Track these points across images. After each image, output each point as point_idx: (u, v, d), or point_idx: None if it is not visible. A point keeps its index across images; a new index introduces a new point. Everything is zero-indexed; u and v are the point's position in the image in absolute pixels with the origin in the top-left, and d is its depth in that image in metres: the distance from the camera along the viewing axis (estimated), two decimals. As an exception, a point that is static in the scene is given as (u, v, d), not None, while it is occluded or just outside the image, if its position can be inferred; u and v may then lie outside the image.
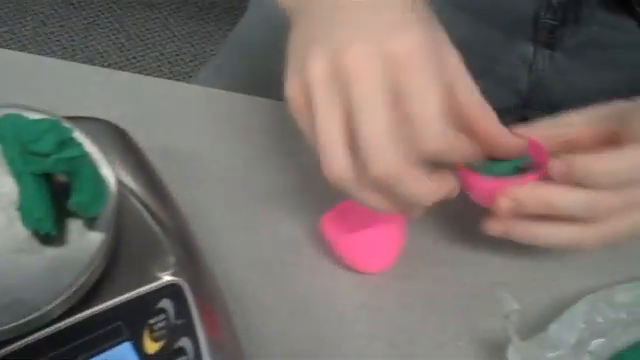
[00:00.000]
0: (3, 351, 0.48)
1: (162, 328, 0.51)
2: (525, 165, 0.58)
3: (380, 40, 0.50)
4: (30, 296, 0.48)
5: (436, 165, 0.53)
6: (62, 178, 0.52)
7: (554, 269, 0.63)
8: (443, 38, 0.55)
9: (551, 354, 0.55)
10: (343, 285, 0.62)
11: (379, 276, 0.62)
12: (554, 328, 0.56)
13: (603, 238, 0.56)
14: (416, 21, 0.52)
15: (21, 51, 2.02)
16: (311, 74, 0.51)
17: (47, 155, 0.50)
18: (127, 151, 0.59)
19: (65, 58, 2.03)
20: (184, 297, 0.52)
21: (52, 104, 0.71)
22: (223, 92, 0.75)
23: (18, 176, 0.51)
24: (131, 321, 0.50)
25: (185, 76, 2.02)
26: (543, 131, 0.59)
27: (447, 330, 0.60)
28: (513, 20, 0.85)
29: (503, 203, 0.55)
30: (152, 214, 0.56)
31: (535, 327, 0.59)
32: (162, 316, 0.51)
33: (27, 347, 0.48)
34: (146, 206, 0.56)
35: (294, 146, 0.71)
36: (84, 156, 0.51)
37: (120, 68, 2.02)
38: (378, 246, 0.61)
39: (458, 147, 0.52)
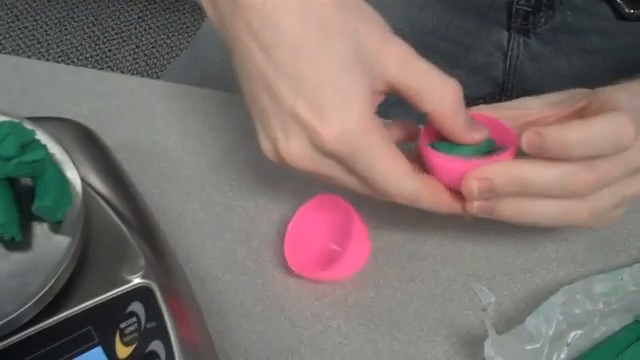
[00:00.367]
0: (-30, 360, 0.47)
1: (133, 332, 0.50)
2: (491, 148, 0.55)
3: (308, 133, 0.51)
4: (-4, 302, 0.47)
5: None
6: (26, 181, 0.51)
7: (531, 261, 0.62)
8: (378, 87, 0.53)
9: (529, 347, 0.54)
10: (318, 283, 0.61)
11: (355, 273, 0.61)
12: (531, 320, 0.55)
13: (591, 212, 0.53)
14: (339, 91, 0.51)
15: (-5, 47, 2.00)
16: (264, 152, 0.55)
17: (9, 159, 0.48)
18: (93, 151, 0.58)
19: (40, 52, 2.01)
20: (155, 299, 0.51)
21: (17, 104, 0.70)
22: (192, 88, 0.74)
23: None
24: (101, 325, 0.50)
25: (162, 68, 2.01)
26: (505, 112, 0.57)
27: (424, 324, 0.59)
28: (487, 7, 0.85)
29: (474, 185, 0.52)
30: (120, 215, 0.55)
31: (512, 320, 0.59)
32: (133, 319, 0.50)
33: (-5, 355, 0.47)
34: (113, 207, 0.55)
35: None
36: (47, 159, 0.50)
37: (96, 61, 2.01)
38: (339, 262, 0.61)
39: (427, 195, 0.54)
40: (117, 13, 2.12)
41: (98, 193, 0.55)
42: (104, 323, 0.50)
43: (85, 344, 0.49)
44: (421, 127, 0.56)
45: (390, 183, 0.52)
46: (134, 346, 0.49)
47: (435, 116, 0.52)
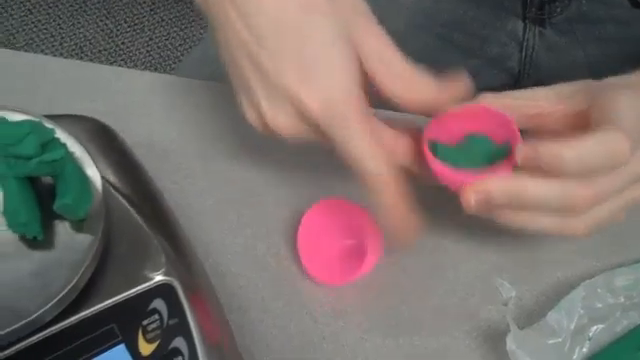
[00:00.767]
0: (-5, 359, 0.47)
1: (156, 329, 0.50)
2: (492, 147, 0.55)
3: (291, 100, 0.52)
4: (20, 302, 0.47)
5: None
6: (47, 180, 0.51)
7: (551, 254, 0.62)
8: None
9: (551, 341, 0.54)
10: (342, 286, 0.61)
11: (375, 268, 0.61)
12: (553, 315, 0.55)
13: (588, 226, 0.54)
14: (326, 62, 0.52)
15: (9, 41, 2.00)
16: (248, 120, 0.56)
17: (29, 158, 0.49)
18: (112, 149, 0.58)
19: (53, 46, 2.01)
20: (177, 296, 0.51)
21: (32, 101, 0.70)
22: (207, 83, 0.74)
23: (1, 180, 0.50)
24: (124, 323, 0.50)
25: (175, 60, 2.00)
26: (512, 100, 0.57)
27: (445, 319, 0.59)
28: (502, -3, 0.85)
29: (472, 197, 0.53)
30: (140, 213, 0.55)
31: (533, 314, 0.59)
32: (155, 317, 0.50)
33: (19, 354, 0.47)
34: (134, 205, 0.55)
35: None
36: (67, 157, 0.50)
37: (109, 54, 2.01)
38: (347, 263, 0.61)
39: (386, 193, 0.53)
40: (129, 6, 2.12)
41: (118, 190, 0.55)
42: (127, 321, 0.50)
43: (108, 342, 0.49)
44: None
45: (359, 159, 0.52)
46: (157, 343, 0.50)
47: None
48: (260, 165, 0.68)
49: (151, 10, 2.11)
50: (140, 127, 0.69)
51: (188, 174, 0.67)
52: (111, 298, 0.50)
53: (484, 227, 0.63)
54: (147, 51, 2.03)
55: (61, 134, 0.52)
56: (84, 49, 2.02)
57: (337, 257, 0.62)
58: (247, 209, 0.65)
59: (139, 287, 0.51)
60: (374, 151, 0.53)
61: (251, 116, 0.56)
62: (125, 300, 0.50)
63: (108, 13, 2.10)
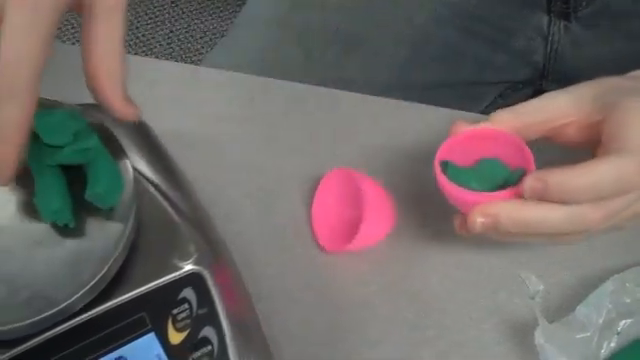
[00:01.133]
0: (26, 345, 0.47)
1: (186, 318, 0.50)
2: (505, 171, 0.56)
3: None
4: (51, 290, 0.47)
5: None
6: (77, 169, 0.51)
7: (579, 248, 0.62)
8: None
9: (579, 335, 0.54)
10: (366, 269, 0.61)
11: (403, 260, 0.61)
12: (582, 309, 0.55)
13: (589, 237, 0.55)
14: None
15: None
16: None
17: (62, 146, 0.49)
18: (141, 138, 0.59)
19: (75, 37, 2.02)
20: (206, 286, 0.51)
21: (60, 91, 0.70)
22: (234, 74, 0.74)
23: (34, 168, 0.50)
24: (154, 312, 0.50)
25: (195, 53, 2.01)
26: (531, 118, 0.56)
27: (473, 312, 0.59)
28: (527, -9, 0.84)
29: (478, 220, 0.53)
30: (170, 202, 0.55)
31: (561, 308, 0.58)
32: (185, 306, 0.50)
33: (50, 341, 0.48)
34: (164, 194, 0.55)
35: (310, 128, 0.70)
36: (99, 146, 0.51)
37: (130, 46, 2.01)
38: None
39: None
40: (151, -2, 2.12)
41: (148, 180, 0.56)
42: (157, 309, 0.50)
43: (139, 330, 0.49)
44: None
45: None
46: (187, 332, 0.50)
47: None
48: (287, 155, 0.68)
49: (172, 3, 2.12)
50: (168, 117, 0.69)
51: (216, 164, 0.67)
52: (141, 287, 0.50)
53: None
54: (167, 43, 2.03)
55: (92, 124, 0.52)
56: (105, 41, 2.02)
57: (345, 226, 0.63)
58: (275, 199, 0.65)
59: (169, 276, 0.51)
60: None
61: None
62: (155, 289, 0.50)
63: (129, 5, 2.08)
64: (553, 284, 0.60)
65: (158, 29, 2.06)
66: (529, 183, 0.52)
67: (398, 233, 0.63)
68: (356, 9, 0.86)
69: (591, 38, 0.85)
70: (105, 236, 0.50)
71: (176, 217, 0.54)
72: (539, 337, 0.53)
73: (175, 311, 0.50)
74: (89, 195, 0.50)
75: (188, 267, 0.51)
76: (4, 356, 0.47)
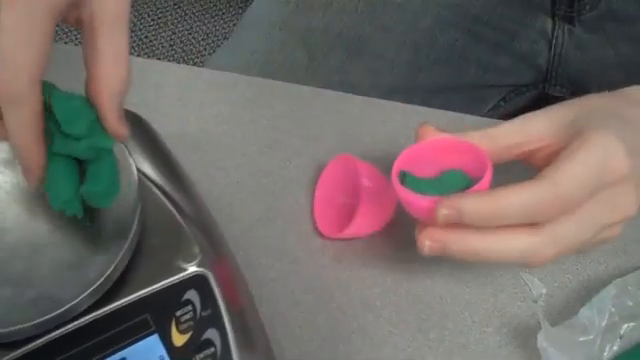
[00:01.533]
0: (30, 346, 0.47)
1: (189, 320, 0.50)
2: (467, 181, 0.54)
3: None
4: (56, 291, 0.48)
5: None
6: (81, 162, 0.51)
7: (581, 253, 0.62)
8: None
9: (582, 338, 0.54)
10: (369, 271, 0.62)
11: (406, 262, 0.61)
12: (585, 312, 0.55)
13: (558, 246, 0.51)
14: None
15: (33, 33, 2.01)
16: None
17: (79, 139, 0.48)
18: (146, 140, 0.59)
19: (78, 39, 2.02)
20: (210, 288, 0.51)
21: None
22: (238, 76, 0.74)
23: (51, 156, 0.49)
24: (158, 313, 0.50)
25: (198, 55, 2.01)
26: (505, 141, 0.54)
27: (475, 315, 0.59)
28: (531, -6, 0.84)
29: (427, 243, 0.51)
30: (174, 204, 0.55)
31: (563, 311, 0.59)
32: (189, 307, 0.51)
33: (54, 341, 0.48)
34: (168, 196, 0.55)
35: (314, 130, 0.70)
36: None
37: (132, 48, 2.01)
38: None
39: None
40: (153, 0, 2.12)
41: (152, 182, 0.56)
42: (160, 311, 0.50)
43: (142, 332, 0.49)
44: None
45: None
46: (190, 334, 0.50)
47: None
48: (292, 158, 0.68)
49: (174, 4, 2.12)
50: (172, 119, 0.70)
51: (220, 166, 0.67)
52: (145, 288, 0.50)
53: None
54: (170, 45, 2.03)
55: None
56: (107, 42, 2.03)
57: (344, 212, 0.63)
58: (278, 202, 0.65)
59: (173, 278, 0.51)
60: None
61: None
62: (159, 291, 0.51)
63: (131, 7, 2.11)
64: (556, 287, 0.60)
65: (161, 31, 2.06)
66: (441, 212, 0.49)
67: (400, 236, 0.63)
68: (360, 12, 0.86)
69: (595, 42, 0.85)
70: (109, 238, 0.50)
71: (180, 219, 0.54)
72: (542, 340, 0.54)
73: (179, 313, 0.50)
74: (86, 191, 0.49)
75: (192, 269, 0.51)
76: (8, 357, 0.47)
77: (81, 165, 0.50)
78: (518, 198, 0.48)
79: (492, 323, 0.59)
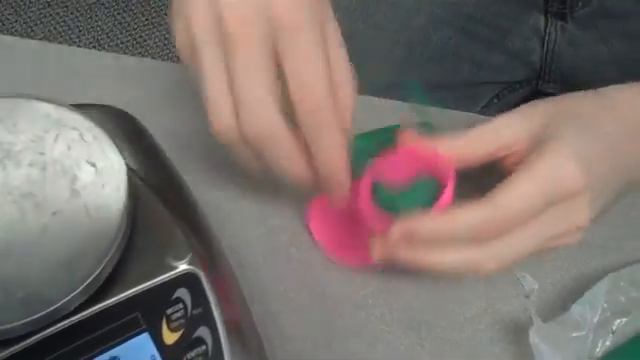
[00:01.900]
0: (20, 346, 0.47)
1: (180, 318, 0.50)
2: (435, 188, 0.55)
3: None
4: (45, 290, 0.47)
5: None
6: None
7: (574, 248, 0.62)
8: (327, 5, 0.53)
9: (574, 334, 0.54)
10: (361, 270, 0.61)
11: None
12: (577, 308, 0.55)
13: (503, 259, 0.53)
14: None
15: (27, 34, 2.01)
16: (196, 28, 0.50)
17: None
18: (138, 138, 0.58)
19: (71, 39, 2.02)
20: (201, 286, 0.51)
21: (57, 91, 0.70)
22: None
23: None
24: (148, 312, 0.50)
25: (192, 54, 2.01)
26: (485, 146, 0.55)
27: (467, 311, 0.59)
28: (524, -9, 0.84)
29: (395, 235, 0.52)
30: (165, 202, 0.55)
31: (555, 307, 0.59)
32: (179, 306, 0.50)
33: (44, 341, 0.48)
34: (159, 194, 0.55)
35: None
36: None
37: (127, 48, 2.01)
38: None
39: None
40: (147, -1, 2.13)
41: (143, 180, 0.55)
42: (151, 309, 0.50)
43: (132, 330, 0.49)
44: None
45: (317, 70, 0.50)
46: (181, 332, 0.50)
47: None
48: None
49: (169, 3, 2.12)
50: (165, 118, 0.69)
51: (212, 165, 0.67)
52: (135, 287, 0.50)
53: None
54: (164, 44, 2.03)
55: (87, 123, 0.52)
56: (101, 42, 2.03)
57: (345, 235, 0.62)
58: (269, 200, 0.65)
59: (163, 276, 0.51)
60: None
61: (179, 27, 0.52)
62: (149, 289, 0.50)
63: (126, 6, 2.11)
64: (548, 283, 0.60)
65: (155, 30, 2.06)
66: (394, 235, 0.52)
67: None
68: (353, 10, 0.86)
69: (588, 38, 0.85)
70: (99, 236, 0.50)
71: (171, 217, 0.54)
72: (534, 336, 0.53)
73: (169, 311, 0.50)
74: None
75: (182, 267, 0.51)
76: (-2, 356, 0.47)
77: None
78: (463, 221, 0.51)
79: (484, 320, 0.59)
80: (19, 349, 0.47)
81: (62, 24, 2.05)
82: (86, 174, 0.51)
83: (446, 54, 0.87)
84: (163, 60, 1.97)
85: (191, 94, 0.72)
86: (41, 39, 2.01)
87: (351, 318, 0.59)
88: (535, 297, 0.57)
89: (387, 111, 0.71)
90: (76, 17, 2.06)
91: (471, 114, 0.73)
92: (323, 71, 0.49)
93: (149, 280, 0.51)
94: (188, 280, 0.51)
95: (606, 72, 0.85)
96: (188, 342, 0.49)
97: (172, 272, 0.51)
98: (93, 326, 0.49)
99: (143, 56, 2.00)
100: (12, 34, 2.01)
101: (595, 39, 0.85)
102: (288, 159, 0.52)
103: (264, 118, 0.50)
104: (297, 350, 0.58)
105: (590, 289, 0.56)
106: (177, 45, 0.53)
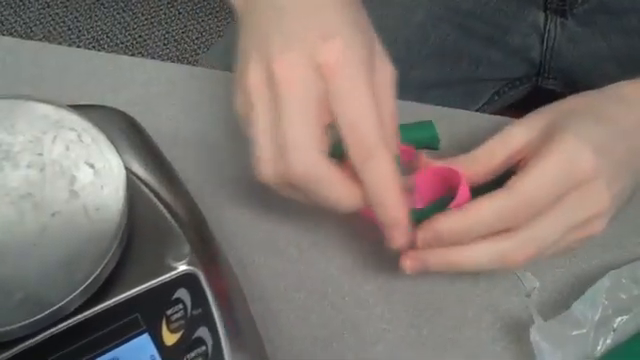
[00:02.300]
0: (19, 348, 0.47)
1: (180, 319, 0.50)
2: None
3: (309, 48, 0.51)
4: (45, 291, 0.47)
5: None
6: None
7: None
8: (377, 48, 0.55)
9: (575, 332, 0.54)
10: (361, 268, 0.61)
11: (398, 258, 0.61)
12: (578, 306, 0.55)
13: (529, 248, 0.53)
14: (348, 25, 0.52)
15: (27, 34, 2.01)
16: (248, 83, 0.52)
17: None
18: (136, 139, 0.58)
19: (71, 39, 2.02)
20: (200, 286, 0.51)
21: (55, 91, 0.71)
22: (231, 75, 0.74)
23: None
24: (148, 312, 0.50)
25: (192, 54, 2.01)
26: (495, 159, 0.56)
27: (468, 310, 0.59)
28: (523, -12, 0.84)
29: (408, 262, 0.54)
30: (164, 203, 0.55)
31: (557, 305, 0.58)
32: (179, 306, 0.50)
33: (44, 342, 0.48)
34: (158, 195, 0.55)
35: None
36: None
37: (127, 47, 2.01)
38: None
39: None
40: (147, -2, 2.12)
41: (142, 181, 0.55)
42: (151, 310, 0.50)
43: (132, 331, 0.49)
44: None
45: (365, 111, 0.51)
46: (181, 333, 0.50)
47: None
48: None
49: (168, 3, 2.12)
50: (163, 118, 0.69)
51: (211, 165, 0.67)
52: (135, 288, 0.50)
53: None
54: (164, 44, 2.03)
55: (84, 123, 0.52)
56: (101, 42, 2.02)
57: None
58: (270, 199, 0.65)
59: (163, 277, 0.51)
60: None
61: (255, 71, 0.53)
62: (149, 290, 0.50)
63: (125, 6, 2.10)
64: (549, 281, 0.60)
65: (154, 29, 2.06)
66: (420, 236, 0.53)
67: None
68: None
69: (587, 35, 0.85)
70: (98, 237, 0.50)
71: (170, 217, 0.54)
72: (535, 334, 0.53)
73: (169, 312, 0.50)
74: None
75: (182, 267, 0.51)
76: (-2, 358, 0.47)
77: None
78: (486, 210, 0.52)
79: (485, 318, 0.59)
80: (18, 351, 0.47)
81: (62, 24, 2.05)
82: (85, 175, 0.51)
83: (445, 51, 0.86)
84: (163, 60, 1.97)
85: (191, 94, 0.72)
86: (40, 39, 2.00)
87: (351, 317, 0.59)
88: (536, 295, 0.57)
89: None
90: (75, 17, 2.06)
91: (471, 112, 0.73)
92: (373, 118, 0.51)
93: (149, 281, 0.51)
94: (188, 280, 0.51)
95: (605, 68, 0.85)
96: (188, 343, 0.50)
97: (172, 273, 0.51)
98: (93, 327, 0.49)
99: (143, 55, 2.00)
100: (12, 34, 2.01)
101: (594, 35, 0.85)
102: (336, 195, 0.52)
103: (306, 160, 0.50)
104: (297, 349, 0.58)
105: (591, 287, 0.56)
106: (236, 111, 0.55)
